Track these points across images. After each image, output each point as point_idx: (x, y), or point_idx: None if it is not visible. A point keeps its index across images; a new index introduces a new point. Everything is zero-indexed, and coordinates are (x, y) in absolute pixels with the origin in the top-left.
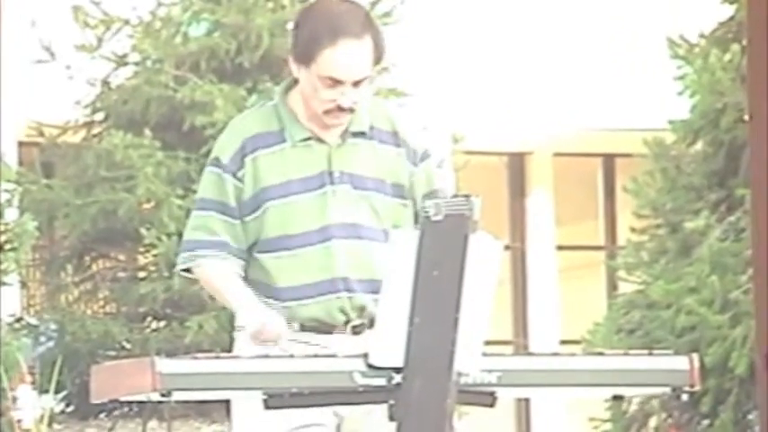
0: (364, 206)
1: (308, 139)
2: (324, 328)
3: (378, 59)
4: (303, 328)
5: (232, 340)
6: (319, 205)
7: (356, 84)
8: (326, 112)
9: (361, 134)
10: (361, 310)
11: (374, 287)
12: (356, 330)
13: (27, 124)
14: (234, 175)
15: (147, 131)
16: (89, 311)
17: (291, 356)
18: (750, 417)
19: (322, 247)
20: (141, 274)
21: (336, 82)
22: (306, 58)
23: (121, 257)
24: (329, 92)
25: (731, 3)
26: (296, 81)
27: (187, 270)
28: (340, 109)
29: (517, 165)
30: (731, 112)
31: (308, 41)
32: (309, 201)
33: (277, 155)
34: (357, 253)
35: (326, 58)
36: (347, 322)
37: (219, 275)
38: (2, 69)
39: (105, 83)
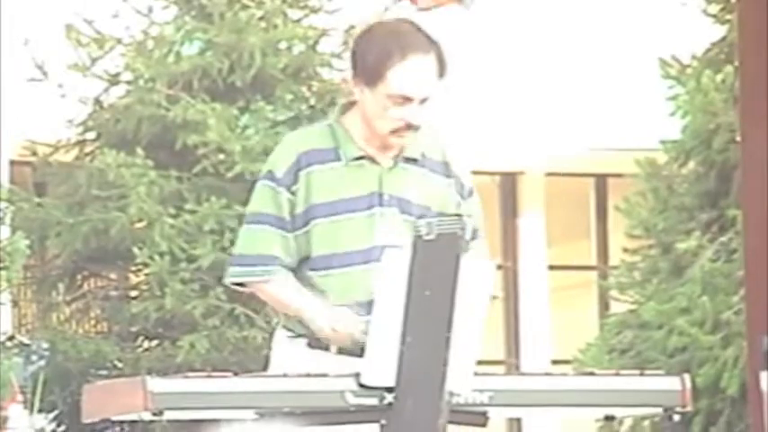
0: (409, 231)
1: (362, 158)
2: (359, 351)
3: (441, 75)
4: (341, 352)
5: (269, 354)
6: (367, 226)
7: (422, 101)
8: (394, 132)
9: (413, 160)
10: None
11: None
12: None
13: (19, 143)
14: (288, 189)
15: (140, 150)
16: (81, 330)
17: (284, 375)
18: None
19: (365, 269)
20: (133, 294)
21: (406, 99)
22: (373, 77)
23: (113, 276)
24: (398, 110)
25: (723, 23)
26: (351, 104)
27: (239, 284)
28: (408, 127)
29: (509, 184)
30: (723, 132)
31: (377, 60)
32: (358, 221)
33: (330, 172)
34: None
35: (397, 74)
36: None
37: (282, 289)
38: None
39: (97, 102)
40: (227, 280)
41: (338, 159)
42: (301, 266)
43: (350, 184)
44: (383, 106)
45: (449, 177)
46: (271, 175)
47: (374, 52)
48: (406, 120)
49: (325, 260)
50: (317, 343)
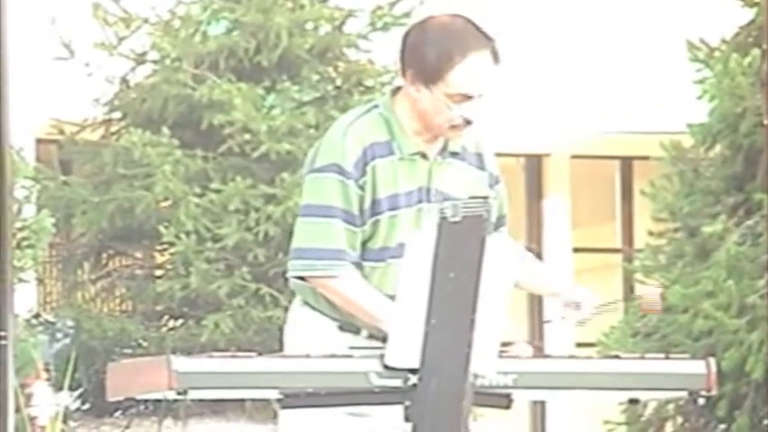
0: None
1: (416, 153)
2: None
3: (496, 65)
4: (371, 337)
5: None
6: (415, 221)
7: (480, 96)
8: (453, 128)
9: (456, 154)
10: None
11: None
12: None
13: (46, 122)
14: (357, 183)
15: (166, 130)
16: (106, 309)
17: (307, 356)
18: (766, 422)
19: None
20: (158, 273)
21: (466, 97)
22: (433, 77)
23: (138, 255)
24: (459, 107)
25: (751, 6)
26: (398, 89)
27: (302, 278)
28: (466, 123)
29: (534, 167)
30: (750, 116)
31: (437, 61)
32: (408, 215)
33: (389, 165)
34: None
35: (458, 75)
36: None
37: (353, 288)
38: (21, 66)
39: (124, 81)
40: (290, 274)
41: (393, 153)
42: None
43: (404, 178)
44: (443, 104)
45: (483, 170)
46: (338, 168)
47: (432, 52)
48: (464, 116)
49: (379, 253)
50: (349, 327)
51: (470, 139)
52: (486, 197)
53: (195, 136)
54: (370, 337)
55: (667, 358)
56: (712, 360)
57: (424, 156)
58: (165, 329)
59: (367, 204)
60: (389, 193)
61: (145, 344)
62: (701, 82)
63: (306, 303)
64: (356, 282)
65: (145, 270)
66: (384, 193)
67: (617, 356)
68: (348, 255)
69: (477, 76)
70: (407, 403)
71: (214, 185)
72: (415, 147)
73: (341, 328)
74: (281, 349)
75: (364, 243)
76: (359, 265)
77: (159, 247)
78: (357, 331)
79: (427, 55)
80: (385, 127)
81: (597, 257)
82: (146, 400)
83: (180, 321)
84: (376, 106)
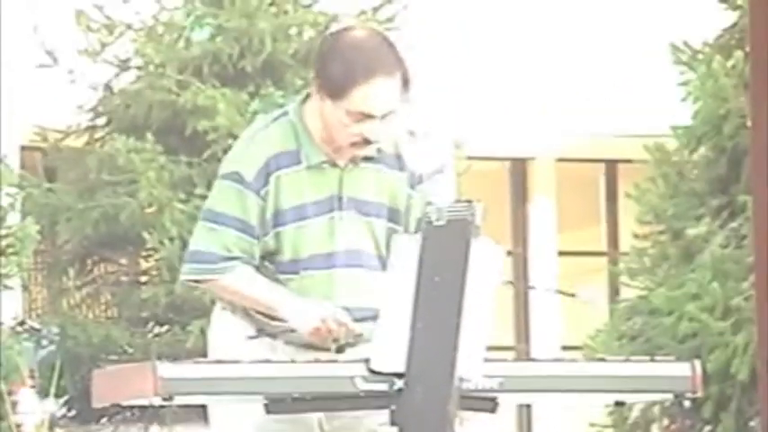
0: (367, 233)
1: (324, 162)
2: (312, 347)
3: (405, 91)
4: (288, 343)
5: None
6: (327, 230)
7: (384, 117)
8: (353, 144)
9: (370, 158)
10: (355, 338)
11: (372, 315)
12: (339, 349)
13: (30, 129)
14: (257, 193)
15: (150, 136)
16: (91, 315)
17: (293, 361)
18: (752, 423)
19: (326, 274)
20: (143, 279)
21: (367, 116)
22: (335, 92)
23: (123, 262)
24: (358, 126)
25: (734, 9)
26: (309, 95)
27: (196, 281)
28: (365, 142)
29: (519, 170)
30: (734, 118)
31: (341, 78)
32: (318, 225)
33: (294, 176)
34: (358, 281)
35: (360, 95)
36: (339, 350)
37: (245, 282)
38: (4, 74)
39: (108, 87)
40: (183, 277)
41: (300, 163)
42: (269, 268)
43: (312, 187)
44: (342, 121)
45: (402, 171)
46: (238, 177)
47: (338, 68)
48: (364, 135)
49: (290, 265)
50: (268, 329)
51: (389, 140)
52: (470, 200)
53: (179, 142)
54: (287, 342)
55: (653, 361)
56: (697, 362)
57: (333, 164)
58: (150, 336)
59: (269, 215)
60: (295, 204)
61: (130, 350)
62: (684, 84)
63: (225, 308)
64: (246, 275)
65: (130, 276)
66: (289, 203)
67: (602, 359)
68: (243, 258)
69: (379, 99)
70: (393, 407)
71: (198, 191)
72: (321, 156)
73: (260, 331)
74: (206, 353)
75: (273, 255)
76: (254, 267)
77: (144, 254)
78: (274, 336)
79: (333, 70)
80: (293, 135)
81: (583, 261)
82: (132, 407)
83: (165, 327)
84: (286, 113)
